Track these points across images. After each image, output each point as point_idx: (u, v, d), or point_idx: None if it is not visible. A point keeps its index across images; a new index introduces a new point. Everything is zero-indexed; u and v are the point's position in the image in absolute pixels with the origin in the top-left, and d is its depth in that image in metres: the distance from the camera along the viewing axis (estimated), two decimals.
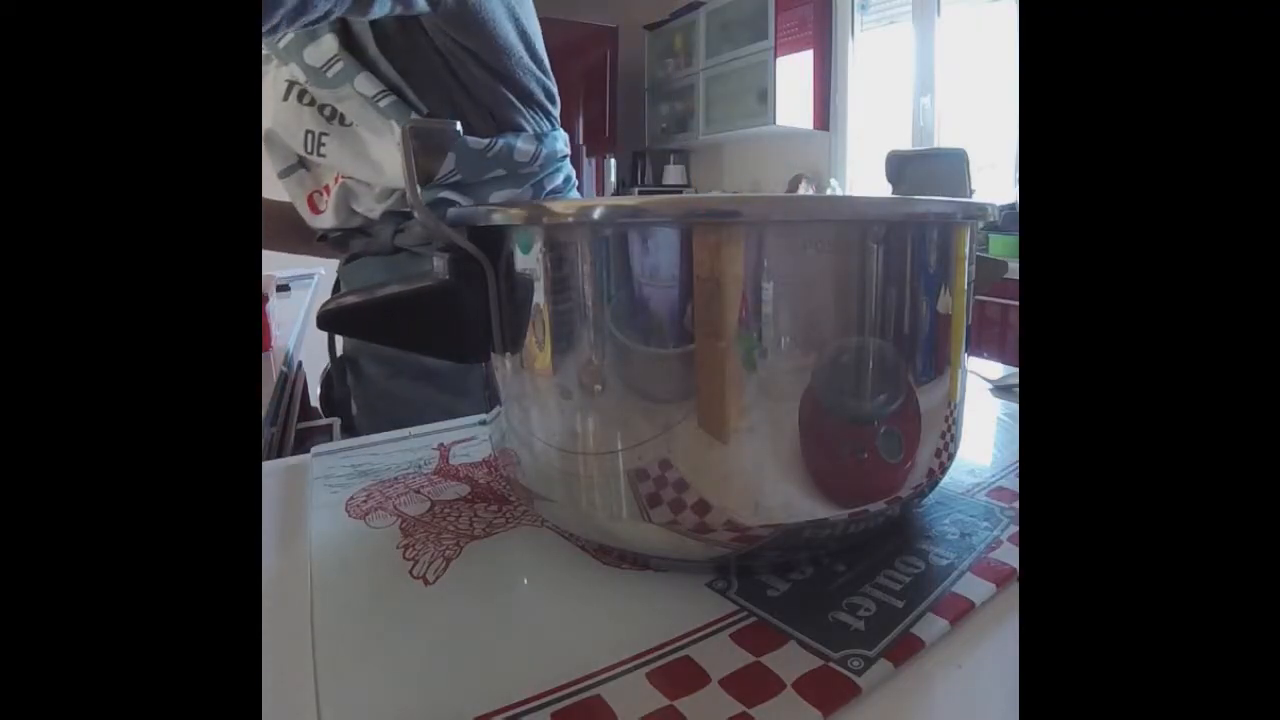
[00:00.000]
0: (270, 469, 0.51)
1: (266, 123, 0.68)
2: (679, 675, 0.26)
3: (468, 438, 0.53)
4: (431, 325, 0.31)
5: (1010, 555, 0.33)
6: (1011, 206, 1.83)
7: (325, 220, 0.71)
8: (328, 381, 0.80)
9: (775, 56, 2.95)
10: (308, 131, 0.66)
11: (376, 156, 0.65)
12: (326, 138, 0.65)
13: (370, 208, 0.68)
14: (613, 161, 3.74)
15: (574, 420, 0.30)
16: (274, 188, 0.72)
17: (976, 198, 0.40)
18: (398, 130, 0.62)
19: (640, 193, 3.62)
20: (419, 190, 0.29)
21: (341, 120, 0.65)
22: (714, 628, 0.28)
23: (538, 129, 0.71)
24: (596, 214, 0.28)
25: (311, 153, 0.67)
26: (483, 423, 0.56)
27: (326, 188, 0.70)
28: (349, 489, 0.44)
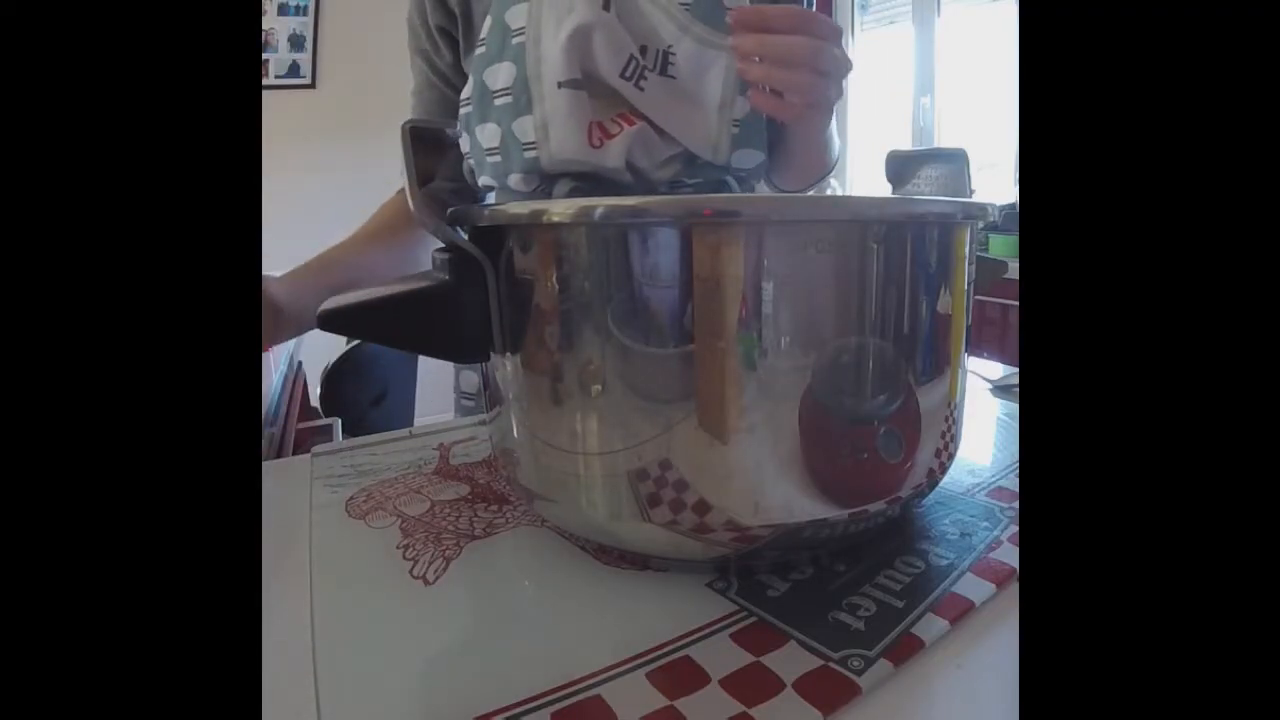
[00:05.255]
0: (270, 469, 0.51)
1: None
2: (679, 675, 0.26)
3: (468, 438, 0.53)
4: (431, 325, 0.31)
5: (1010, 555, 0.33)
6: (1011, 206, 1.82)
7: (607, 157, 0.58)
8: (328, 381, 0.78)
9: None
10: (632, 57, 0.56)
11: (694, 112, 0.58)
12: (644, 81, 0.57)
13: (655, 162, 0.60)
14: None
15: (574, 420, 0.30)
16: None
17: (976, 198, 0.40)
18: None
19: None
20: (418, 190, 0.29)
21: (664, 68, 0.57)
22: (714, 628, 0.28)
23: None
24: (597, 214, 0.28)
25: (631, 77, 0.56)
26: (483, 423, 0.56)
27: (624, 117, 0.59)
28: (349, 489, 0.44)
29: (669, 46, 0.58)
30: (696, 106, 0.59)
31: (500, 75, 0.58)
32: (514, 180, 0.60)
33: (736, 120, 0.60)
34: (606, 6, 0.56)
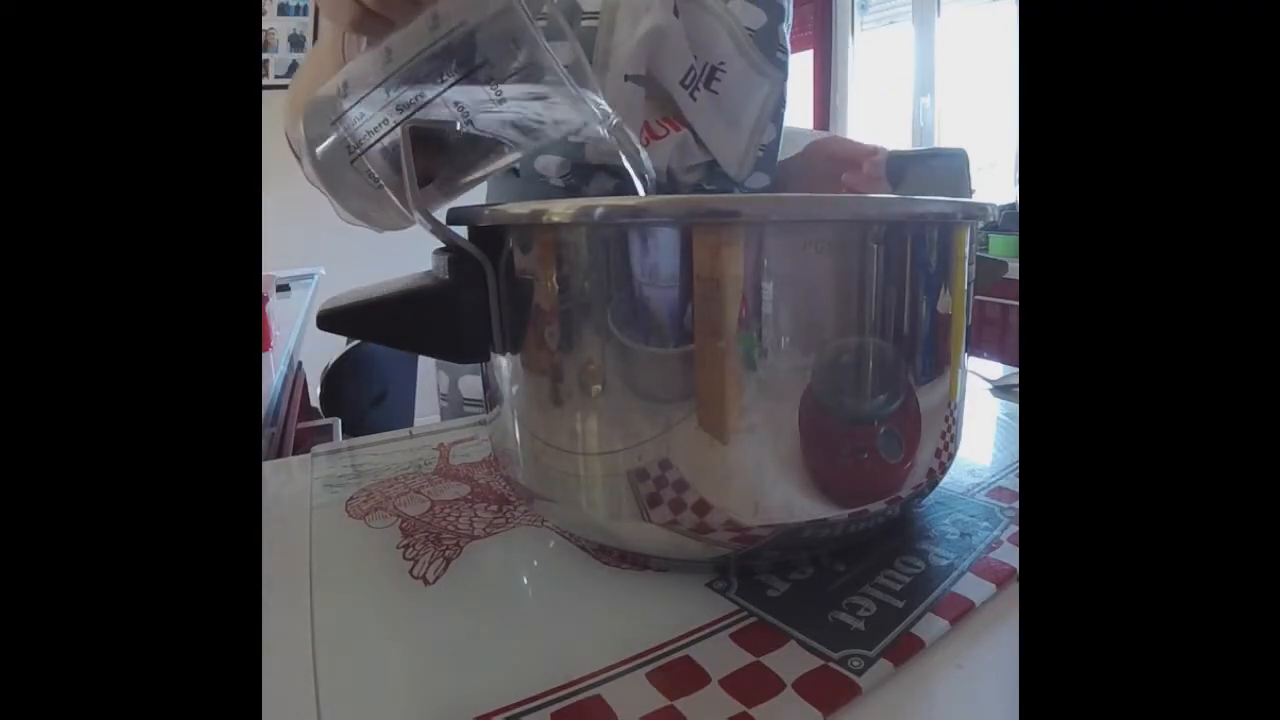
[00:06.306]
0: (270, 469, 0.51)
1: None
2: (679, 675, 0.26)
3: (468, 438, 0.53)
4: (432, 325, 0.31)
5: (1010, 555, 0.33)
6: (1011, 206, 1.82)
7: (651, 158, 0.59)
8: (328, 381, 0.78)
9: None
10: (691, 67, 0.58)
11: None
12: (698, 93, 0.59)
13: (684, 167, 0.62)
14: None
15: (574, 420, 0.30)
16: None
17: (976, 198, 0.40)
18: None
19: None
20: (418, 191, 0.29)
21: (709, 82, 0.59)
22: (714, 628, 0.28)
23: None
24: (597, 214, 0.28)
25: (689, 86, 0.59)
26: (482, 423, 0.56)
27: (669, 121, 0.61)
28: (349, 489, 0.44)
29: (720, 63, 0.60)
30: (733, 125, 0.61)
31: (559, 54, 0.58)
32: (543, 163, 0.60)
33: (763, 145, 0.63)
34: (675, 13, 0.57)
